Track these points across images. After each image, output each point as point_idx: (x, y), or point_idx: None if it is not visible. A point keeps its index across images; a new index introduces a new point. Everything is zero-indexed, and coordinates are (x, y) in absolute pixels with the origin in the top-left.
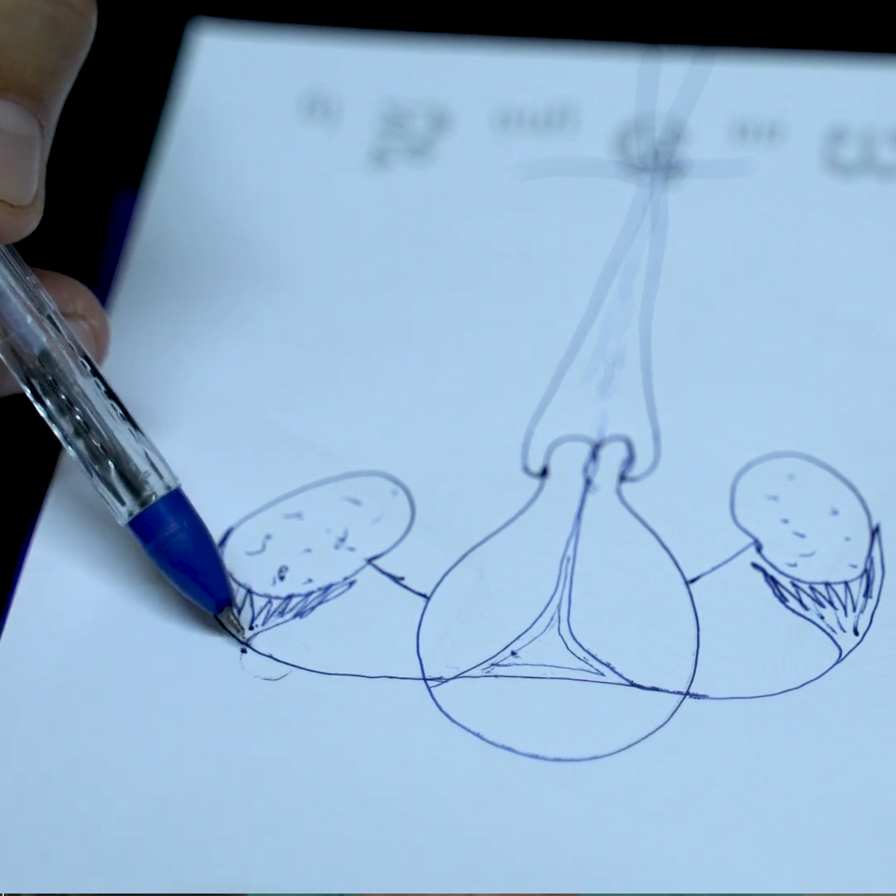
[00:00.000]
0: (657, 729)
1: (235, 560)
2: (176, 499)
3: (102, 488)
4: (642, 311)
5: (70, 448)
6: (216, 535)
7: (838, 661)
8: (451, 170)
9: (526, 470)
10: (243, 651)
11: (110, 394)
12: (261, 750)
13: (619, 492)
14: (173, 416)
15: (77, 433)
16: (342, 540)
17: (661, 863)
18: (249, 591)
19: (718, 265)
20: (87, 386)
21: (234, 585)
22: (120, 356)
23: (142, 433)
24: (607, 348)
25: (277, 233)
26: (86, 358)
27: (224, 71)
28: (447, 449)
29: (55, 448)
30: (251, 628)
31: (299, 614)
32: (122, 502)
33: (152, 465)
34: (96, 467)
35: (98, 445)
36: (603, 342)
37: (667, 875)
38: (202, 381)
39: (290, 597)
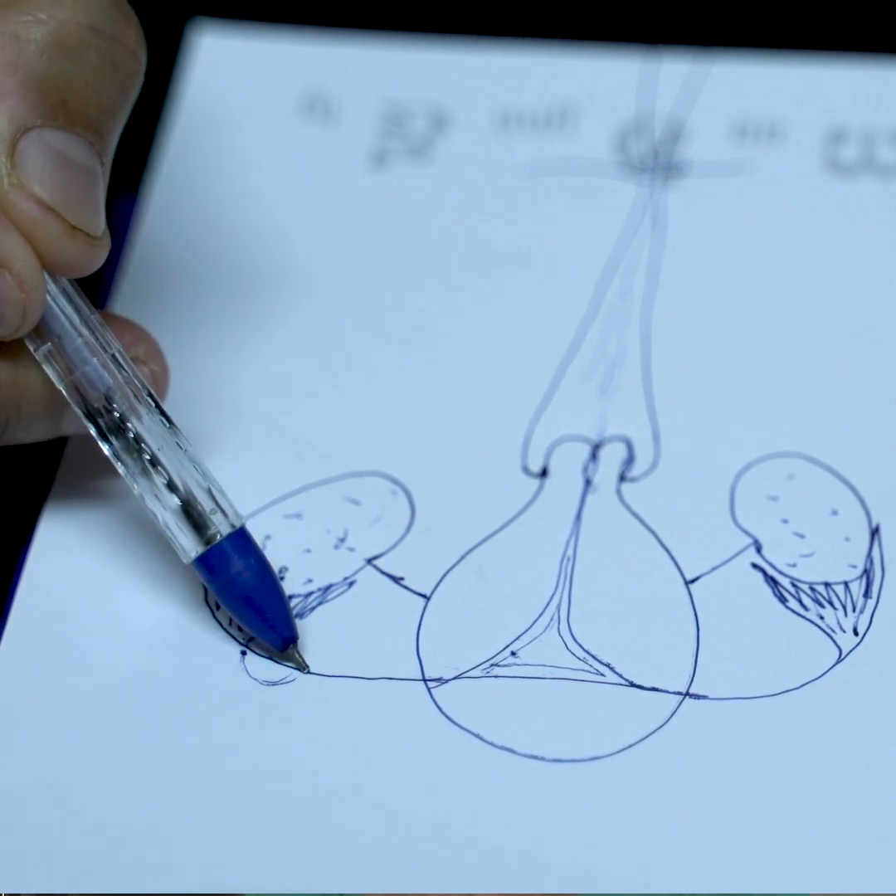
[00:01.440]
0: (657, 729)
1: None
2: (241, 537)
3: (169, 526)
4: (642, 311)
5: (135, 486)
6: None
7: (838, 662)
8: (451, 170)
9: (526, 470)
10: (243, 653)
11: (176, 431)
12: (261, 751)
13: (618, 492)
14: (173, 416)
15: (144, 472)
16: (342, 540)
17: (661, 863)
18: None
19: (718, 265)
20: (154, 424)
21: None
22: None
23: (207, 470)
24: (607, 348)
25: (277, 233)
26: (151, 396)
27: (224, 71)
28: (447, 449)
29: (57, 450)
30: None
31: (299, 615)
32: (188, 539)
33: (217, 503)
34: (160, 506)
35: (164, 483)
36: (603, 342)
37: (667, 875)
38: (201, 382)
39: (289, 597)
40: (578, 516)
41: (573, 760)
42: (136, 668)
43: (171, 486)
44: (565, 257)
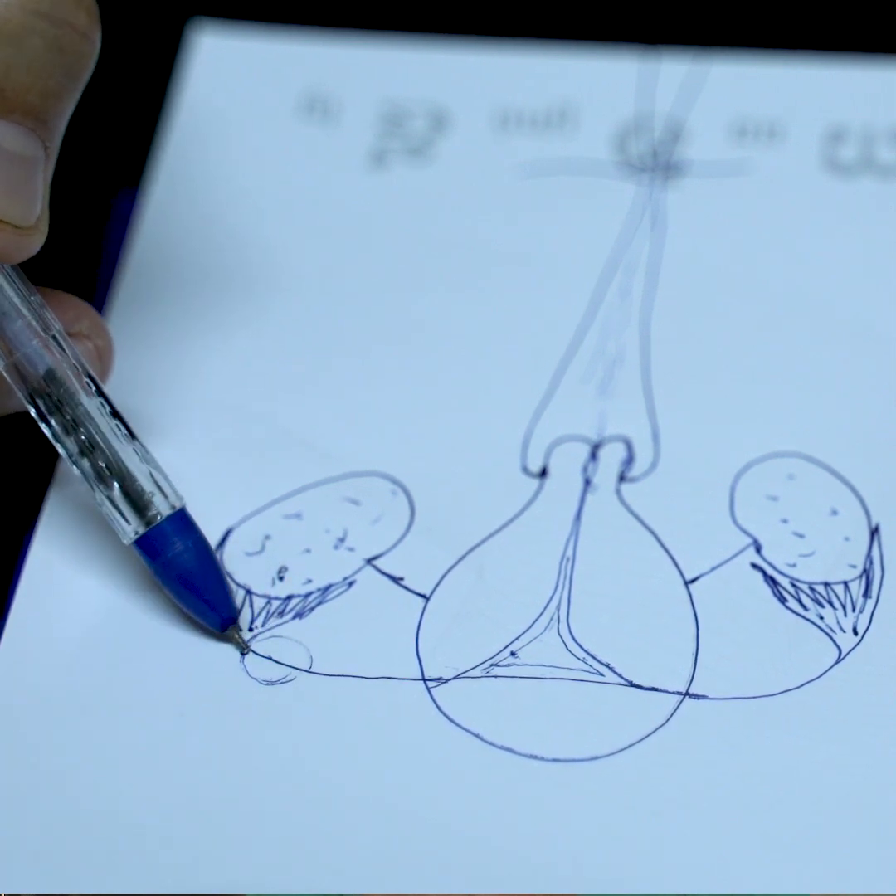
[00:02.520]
0: (657, 729)
1: (235, 560)
2: (180, 518)
3: (107, 508)
4: (642, 310)
5: (75, 467)
6: (215, 535)
7: (838, 661)
8: (451, 170)
9: (525, 470)
10: (243, 653)
11: (115, 414)
12: (260, 751)
13: (618, 492)
14: (173, 416)
15: (82, 452)
16: (341, 540)
17: (661, 863)
18: (249, 592)
19: (718, 265)
20: (92, 406)
21: (236, 590)
22: (119, 356)
23: (147, 452)
24: (607, 348)
25: (277, 233)
26: (91, 378)
27: (224, 71)
28: (447, 449)
29: (54, 453)
30: (250, 629)
31: (299, 615)
32: (128, 521)
33: (157, 484)
34: (101, 487)
35: (103, 465)
36: (602, 342)
37: (667, 875)
38: (201, 382)
39: (289, 597)
40: (578, 516)
41: (573, 760)
42: (135, 667)
43: (109, 468)
44: (565, 257)
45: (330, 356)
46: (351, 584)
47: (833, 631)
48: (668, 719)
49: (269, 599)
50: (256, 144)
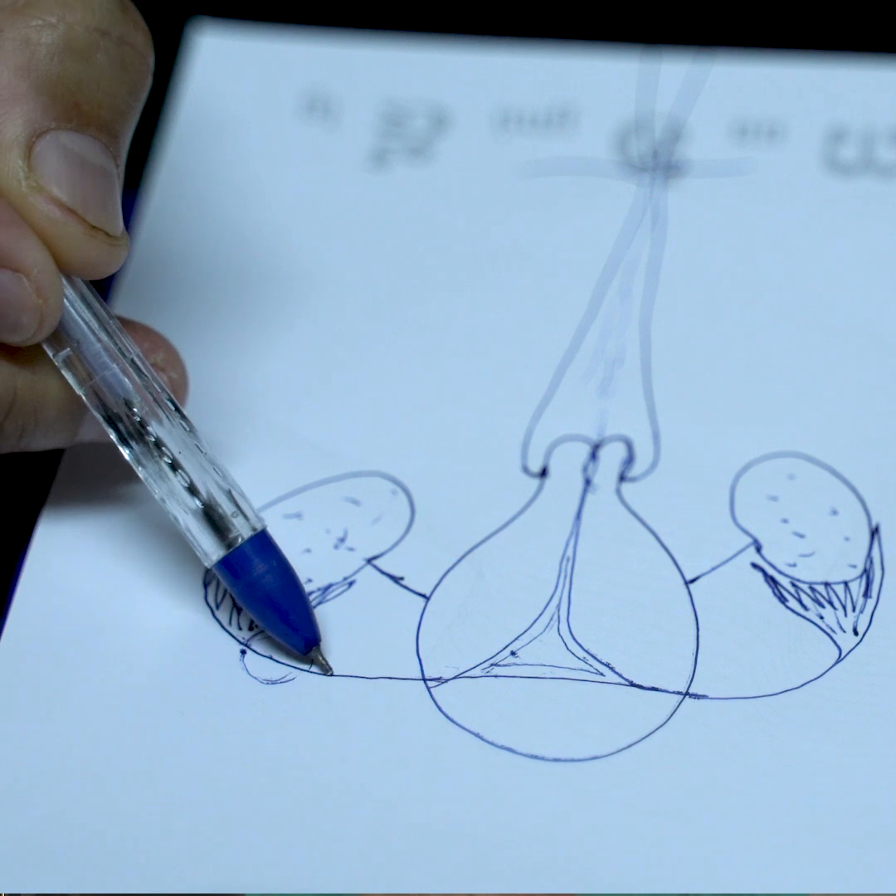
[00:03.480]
0: (657, 729)
1: None
2: (262, 539)
3: (190, 529)
4: (642, 310)
5: (156, 490)
6: None
7: (838, 661)
8: (451, 170)
9: (525, 470)
10: (243, 652)
11: (199, 443)
12: (260, 750)
13: (618, 492)
14: None
15: (164, 476)
16: (342, 540)
17: (661, 863)
18: None
19: (718, 265)
20: (175, 428)
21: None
22: None
23: (228, 474)
24: (607, 348)
25: (277, 233)
26: (171, 400)
27: (224, 71)
28: (447, 449)
29: (56, 453)
30: (251, 629)
31: None
32: (210, 543)
33: (238, 506)
34: (183, 509)
35: (186, 488)
36: (603, 342)
37: (667, 875)
38: (201, 381)
39: None
40: (578, 516)
41: (573, 760)
42: (135, 667)
43: (191, 490)
44: (565, 257)
45: (330, 356)
46: (351, 583)
47: (833, 631)
48: (668, 719)
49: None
50: (257, 144)
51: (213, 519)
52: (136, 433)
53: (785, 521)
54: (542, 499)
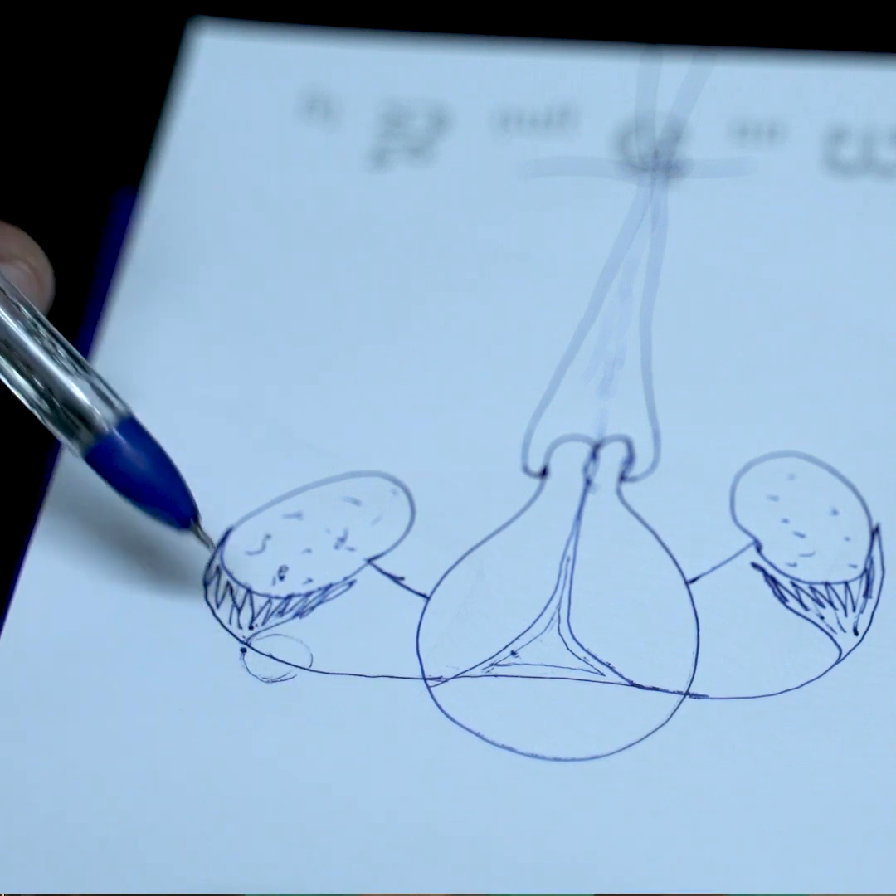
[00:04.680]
0: (657, 729)
1: (235, 560)
2: (129, 426)
3: (55, 427)
4: (642, 310)
5: (18, 393)
6: (216, 534)
7: (838, 661)
8: (451, 170)
9: (526, 470)
10: (243, 650)
11: (52, 334)
12: (260, 749)
13: (618, 492)
14: (172, 415)
15: (24, 375)
16: (342, 540)
17: (661, 863)
18: (249, 591)
19: (718, 265)
20: (23, 328)
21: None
22: (120, 355)
23: (89, 366)
24: (607, 348)
25: (277, 232)
26: (20, 300)
27: (224, 71)
28: (447, 449)
29: (54, 447)
30: (251, 628)
31: (299, 614)
32: (77, 438)
33: (103, 397)
34: (46, 407)
35: (43, 386)
36: (603, 342)
37: (667, 875)
38: (201, 381)
39: (289, 597)
40: (578, 516)
41: (573, 759)
42: (135, 666)
43: (51, 388)
44: (566, 257)
45: (330, 355)
46: (351, 583)
47: (833, 631)
48: (668, 719)
49: (270, 598)
50: (257, 144)
51: (77, 413)
52: None
53: (785, 520)
54: (542, 499)
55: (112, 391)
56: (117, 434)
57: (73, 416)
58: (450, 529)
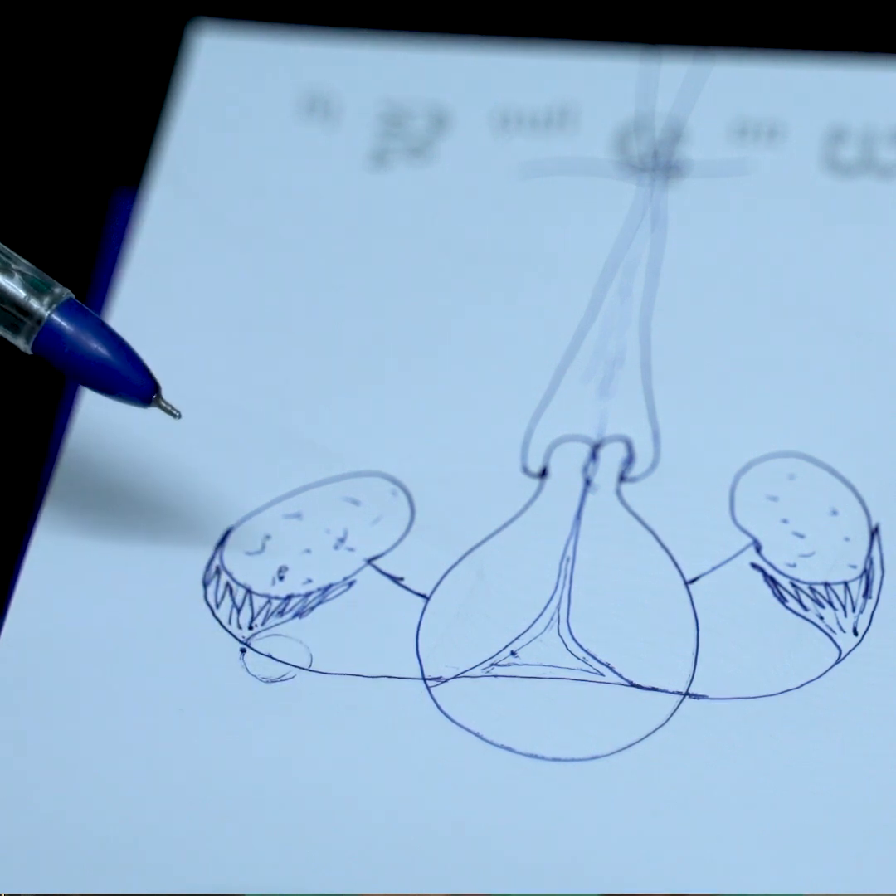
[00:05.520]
0: (657, 729)
1: (235, 560)
2: (69, 308)
3: None
4: (642, 311)
5: None
6: (215, 535)
7: (838, 662)
8: (451, 170)
9: (525, 470)
10: (243, 651)
11: None
12: (260, 749)
13: (618, 492)
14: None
15: None
16: (342, 540)
17: (661, 863)
18: (249, 591)
19: (718, 265)
20: None
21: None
22: None
23: (15, 255)
24: (607, 348)
25: (277, 233)
26: None
27: (224, 71)
28: (447, 449)
29: (55, 445)
30: (251, 628)
31: (299, 614)
32: (21, 333)
33: (36, 285)
34: None
35: None
36: (603, 342)
37: (667, 875)
38: (201, 381)
39: (289, 597)
40: (578, 516)
41: (573, 760)
42: (135, 666)
43: None
44: (565, 257)
45: (330, 356)
46: (351, 583)
47: (833, 631)
48: (668, 719)
49: (269, 599)
50: (257, 144)
51: (13, 304)
52: None
53: (785, 521)
54: (542, 499)
55: (48, 277)
56: (56, 317)
57: (10, 309)
58: (449, 530)
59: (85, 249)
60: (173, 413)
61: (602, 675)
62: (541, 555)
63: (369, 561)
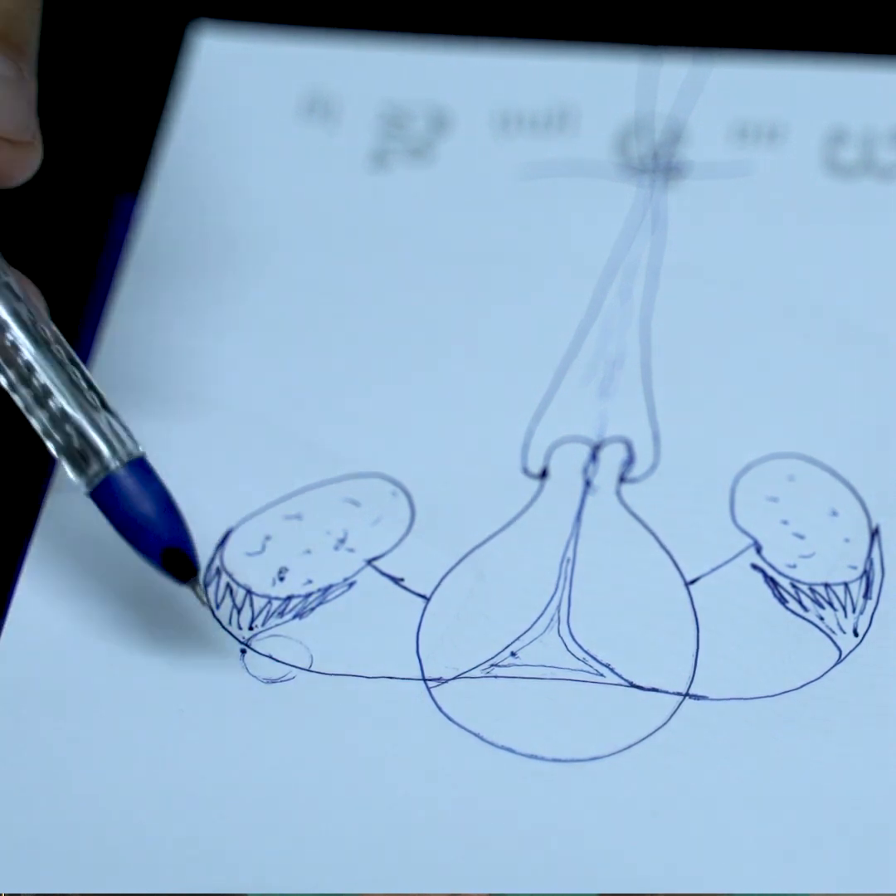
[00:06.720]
0: (657, 730)
1: (235, 561)
2: (139, 468)
3: (63, 458)
4: (642, 311)
5: (31, 419)
6: (215, 535)
7: (838, 662)
8: (451, 171)
9: (525, 471)
10: (243, 651)
11: (73, 362)
12: (260, 750)
13: (618, 493)
14: (173, 417)
15: (38, 403)
16: (342, 541)
17: (661, 863)
18: (249, 592)
19: (718, 266)
20: (44, 354)
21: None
22: (119, 358)
23: (105, 401)
24: (607, 349)
25: (277, 234)
26: (46, 325)
27: (224, 73)
28: (447, 450)
29: None
30: (251, 628)
31: (299, 615)
32: (84, 473)
33: (116, 434)
34: (57, 437)
35: (58, 415)
36: (603, 343)
37: (667, 875)
38: (202, 383)
39: (289, 598)
40: (578, 517)
41: (573, 760)
42: (135, 666)
43: (65, 417)
44: (565, 258)
45: (330, 356)
46: (351, 584)
47: (833, 632)
48: (668, 720)
49: (270, 599)
50: (257, 146)
51: (90, 445)
52: (7, 359)
53: (785, 522)
54: (542, 500)
55: (126, 429)
56: (125, 475)
57: (84, 450)
58: (450, 530)
59: (87, 253)
60: (203, 602)
61: (602, 675)
62: (541, 556)
63: (369, 562)
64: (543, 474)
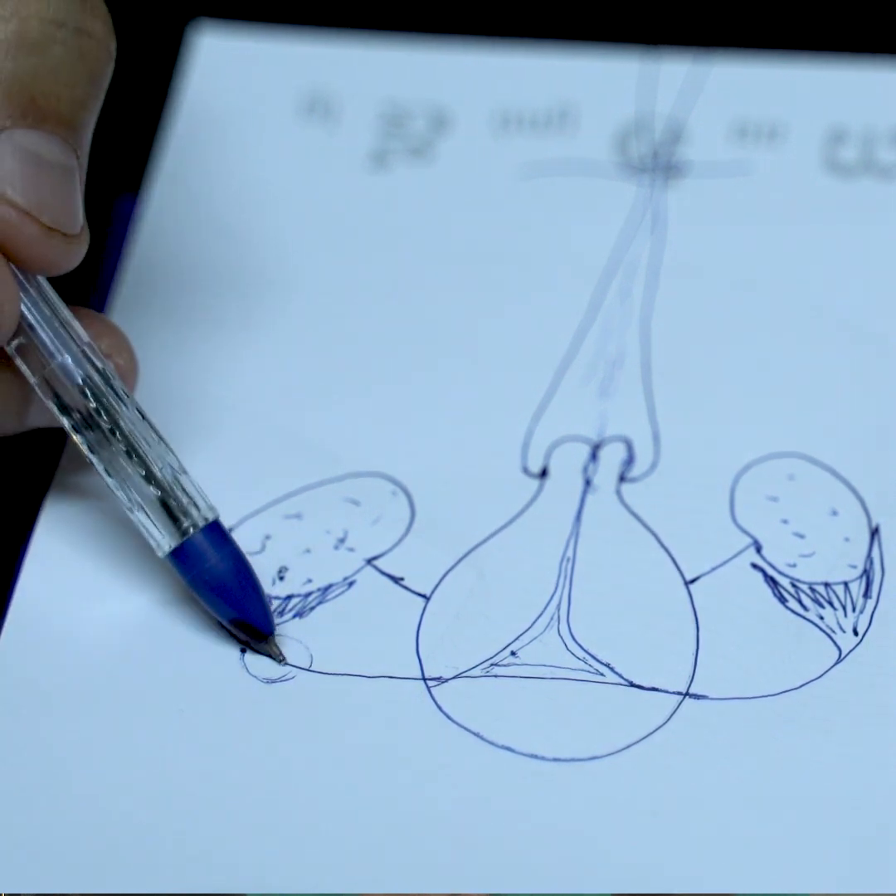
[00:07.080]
0: (657, 729)
1: None
2: (215, 530)
3: (142, 520)
4: (642, 311)
5: (109, 479)
6: None
7: (838, 662)
8: (451, 170)
9: (525, 470)
10: (243, 651)
11: (151, 426)
12: (260, 750)
13: (618, 492)
14: (173, 417)
15: (118, 465)
16: (342, 540)
17: (661, 863)
18: None
19: (718, 265)
20: (129, 415)
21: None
22: None
23: (181, 463)
24: (607, 349)
25: (277, 234)
26: (124, 389)
27: (224, 72)
28: (447, 450)
29: (56, 446)
30: None
31: (299, 614)
32: (162, 533)
33: (191, 496)
34: (137, 498)
35: (141, 476)
36: (603, 343)
37: (666, 875)
38: (202, 383)
39: (289, 597)
40: (578, 517)
41: (573, 760)
42: (135, 666)
43: (148, 478)
44: (565, 258)
45: (330, 356)
46: (351, 584)
47: (833, 631)
48: (668, 719)
49: (270, 599)
50: (257, 145)
51: (168, 508)
52: (90, 421)
53: (785, 521)
54: (542, 499)
55: (201, 491)
56: (202, 537)
57: (164, 513)
58: (449, 530)
59: (87, 254)
60: (278, 659)
61: (602, 675)
62: (541, 555)
63: (369, 561)
64: (543, 474)
